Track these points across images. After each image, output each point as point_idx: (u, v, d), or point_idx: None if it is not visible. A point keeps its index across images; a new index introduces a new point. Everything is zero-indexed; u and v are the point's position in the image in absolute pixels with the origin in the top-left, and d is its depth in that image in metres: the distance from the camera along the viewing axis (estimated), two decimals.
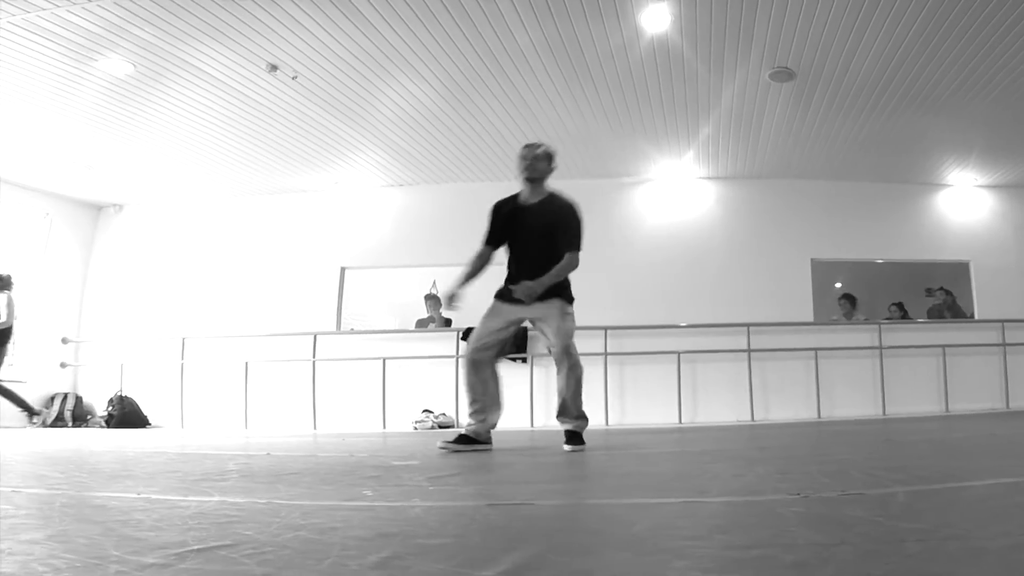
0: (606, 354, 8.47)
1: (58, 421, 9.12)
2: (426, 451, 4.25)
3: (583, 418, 4.24)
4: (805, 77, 6.75)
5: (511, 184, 8.84)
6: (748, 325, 8.39)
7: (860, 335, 8.43)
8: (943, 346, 8.27)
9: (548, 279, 4.10)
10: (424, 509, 1.84)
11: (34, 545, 1.36)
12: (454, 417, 8.48)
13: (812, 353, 8.32)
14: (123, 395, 8.99)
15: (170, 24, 5.87)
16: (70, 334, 9.65)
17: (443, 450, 4.07)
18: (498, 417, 4.26)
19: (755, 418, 8.25)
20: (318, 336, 8.88)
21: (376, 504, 2.00)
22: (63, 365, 9.50)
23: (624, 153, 8.41)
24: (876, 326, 8.44)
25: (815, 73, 6.66)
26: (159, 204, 9.92)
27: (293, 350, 8.90)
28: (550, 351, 4.21)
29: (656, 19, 5.90)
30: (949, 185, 8.88)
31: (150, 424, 9.05)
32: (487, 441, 4.20)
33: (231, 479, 2.67)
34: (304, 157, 8.45)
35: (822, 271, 9.27)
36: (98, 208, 10.09)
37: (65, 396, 9.30)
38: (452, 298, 4.29)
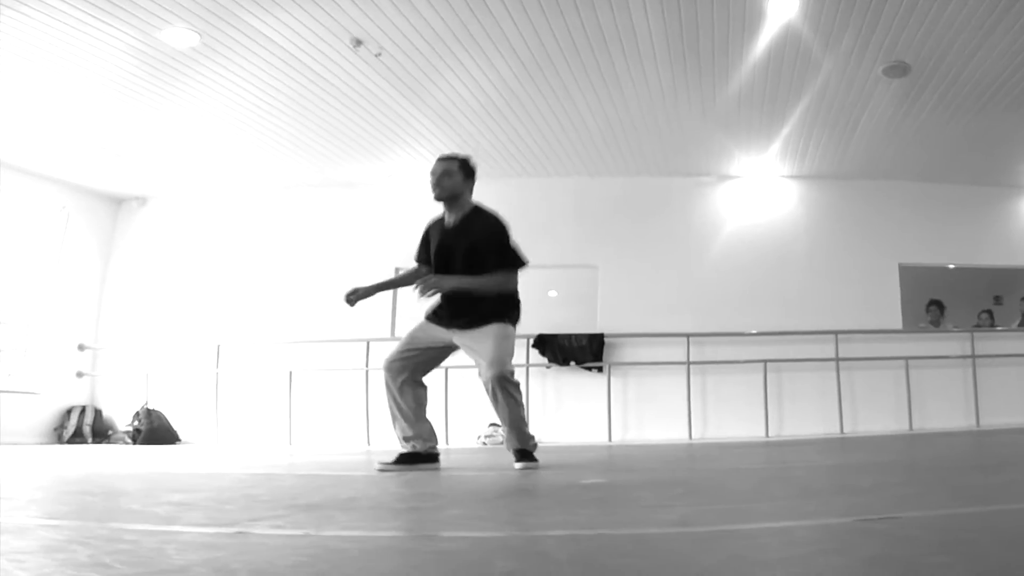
0: (688, 363, 7.87)
1: (76, 437, 8.21)
2: (580, 469, 3.80)
3: (531, 438, 3.91)
4: (920, 73, 6.27)
5: (586, 179, 8.42)
6: (836, 332, 7.87)
7: (950, 343, 7.97)
8: None
9: (465, 282, 3.71)
10: (808, 528, 1.60)
11: None
12: None
13: (902, 362, 7.82)
14: (150, 408, 8.12)
15: None
16: (87, 340, 8.73)
17: (384, 471, 3.64)
18: (433, 436, 3.91)
19: (844, 430, 7.74)
20: (371, 343, 8.13)
21: (727, 527, 1.69)
22: (79, 374, 8.58)
23: (710, 149, 7.85)
24: (968, 334, 7.99)
25: (931, 69, 6.21)
26: (188, 197, 9.05)
27: (342, 358, 8.14)
28: (481, 378, 3.76)
29: (784, 4, 5.38)
30: None
31: (180, 440, 8.20)
32: (432, 458, 3.82)
33: (453, 504, 2.37)
34: (363, 144, 7.70)
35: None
36: (118, 201, 9.17)
37: (83, 409, 8.38)
38: (355, 293, 3.96)
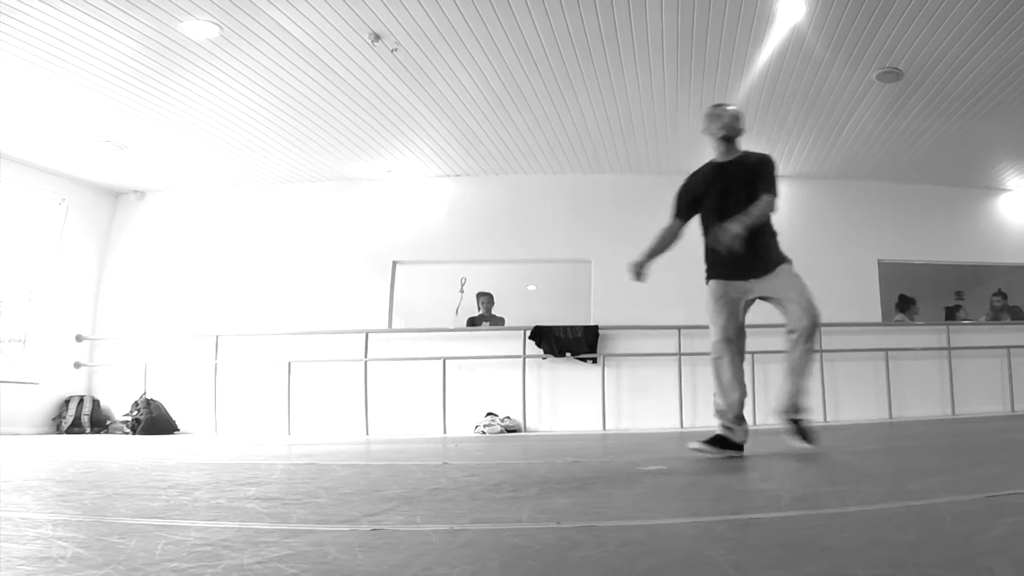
0: (680, 354, 8.16)
1: (74, 427, 8.23)
2: (620, 456, 3.89)
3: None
4: (911, 79, 6.60)
5: (580, 176, 8.64)
6: (820, 326, 8.19)
7: (927, 336, 8.37)
8: (1008, 347, 8.26)
9: (749, 220, 3.72)
10: None
11: None
12: (520, 421, 8.03)
13: (882, 354, 8.20)
14: (149, 398, 8.17)
15: None
16: (85, 331, 8.75)
17: (698, 452, 3.74)
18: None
19: (826, 419, 8.07)
20: (370, 334, 8.28)
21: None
22: (77, 365, 8.60)
23: (703, 149, 8.06)
24: (943, 327, 8.40)
25: (922, 76, 6.54)
26: (186, 190, 9.13)
27: (340, 349, 8.28)
28: (790, 332, 3.84)
29: (792, 10, 5.64)
30: (1009, 190, 8.94)
31: (178, 430, 8.26)
32: (741, 447, 3.81)
33: (584, 490, 2.34)
34: (365, 140, 7.86)
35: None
36: (116, 195, 9.21)
37: (81, 399, 8.41)
38: (641, 268, 4.01)
